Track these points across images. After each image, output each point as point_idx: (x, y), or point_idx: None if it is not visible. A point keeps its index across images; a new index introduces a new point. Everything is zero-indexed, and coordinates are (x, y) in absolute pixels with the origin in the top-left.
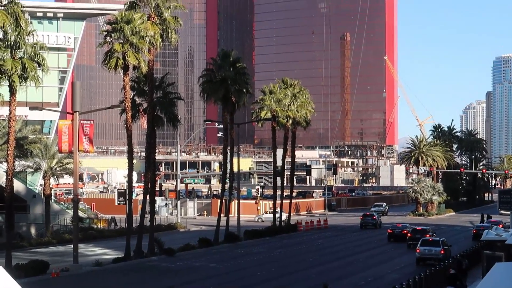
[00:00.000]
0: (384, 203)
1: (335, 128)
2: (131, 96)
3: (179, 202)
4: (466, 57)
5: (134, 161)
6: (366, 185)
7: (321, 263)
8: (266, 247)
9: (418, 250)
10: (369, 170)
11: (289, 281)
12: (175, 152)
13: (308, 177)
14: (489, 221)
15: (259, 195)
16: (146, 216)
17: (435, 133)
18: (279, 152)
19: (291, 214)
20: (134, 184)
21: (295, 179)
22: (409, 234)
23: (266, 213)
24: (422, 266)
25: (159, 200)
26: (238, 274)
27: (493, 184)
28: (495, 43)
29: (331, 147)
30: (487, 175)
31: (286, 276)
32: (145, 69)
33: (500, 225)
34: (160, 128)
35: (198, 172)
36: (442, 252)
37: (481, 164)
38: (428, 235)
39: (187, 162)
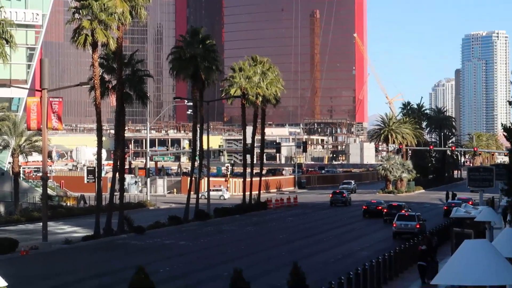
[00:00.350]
0: (353, 181)
1: (304, 105)
2: (100, 74)
3: (148, 180)
4: (435, 35)
5: (104, 138)
6: (336, 162)
7: (291, 241)
8: (236, 224)
9: (394, 225)
10: (339, 147)
11: (259, 259)
12: (144, 129)
13: (278, 154)
14: (458, 198)
15: (229, 173)
16: (115, 194)
17: (405, 111)
18: (249, 129)
19: (261, 191)
20: (103, 162)
21: (265, 157)
22: (385, 210)
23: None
24: (398, 240)
25: (128, 178)
26: (208, 252)
27: (462, 161)
28: (464, 20)
29: (301, 124)
30: (456, 152)
31: (256, 254)
32: (114, 46)
33: (470, 202)
34: (129, 105)
35: (167, 149)
36: (418, 226)
37: (450, 141)
38: (403, 211)
39: (156, 139)
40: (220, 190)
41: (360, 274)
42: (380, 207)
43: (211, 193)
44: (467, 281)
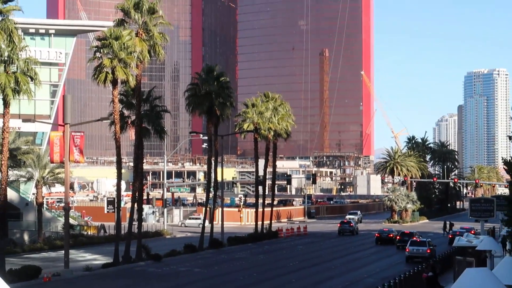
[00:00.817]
0: (359, 211)
1: (314, 139)
2: (120, 109)
3: (165, 209)
4: (439, 72)
5: (123, 170)
6: (344, 193)
7: (301, 269)
8: (248, 253)
9: (407, 250)
10: (347, 179)
11: (270, 286)
12: (162, 162)
13: (288, 186)
14: (462, 227)
15: (241, 203)
16: (134, 223)
17: (410, 145)
18: (261, 162)
19: (272, 221)
20: (123, 193)
21: (276, 188)
22: (398, 237)
23: (190, 218)
24: (411, 263)
25: (146, 208)
26: (222, 279)
27: (464, 193)
28: (467, 58)
29: (311, 157)
30: (458, 184)
31: (267, 281)
32: (133, 83)
33: (472, 232)
34: (148, 139)
35: (183, 181)
36: (428, 251)
37: (453, 174)
38: (415, 237)
39: (173, 171)
40: (199, 219)
41: None
42: (391, 235)
43: (191, 221)
44: None
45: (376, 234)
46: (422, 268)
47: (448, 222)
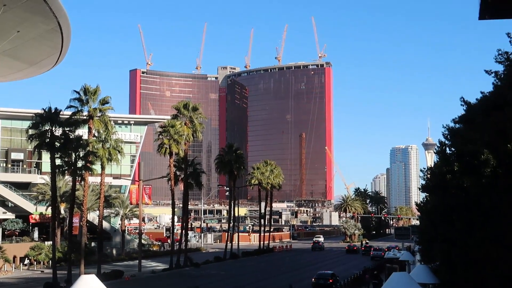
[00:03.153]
0: (322, 235)
1: (296, 189)
2: (174, 171)
3: (202, 234)
4: (374, 145)
5: (175, 209)
6: (315, 224)
7: (289, 271)
8: (255, 261)
9: (372, 253)
10: (317, 215)
11: (268, 282)
12: (200, 204)
13: (279, 219)
14: (389, 246)
15: (250, 230)
16: (182, 243)
17: (356, 193)
18: (263, 204)
19: (270, 241)
20: (175, 224)
21: (272, 220)
22: (362, 248)
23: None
24: (374, 261)
25: (190, 233)
26: (238, 278)
27: (391, 223)
28: (391, 137)
29: (294, 201)
30: (387, 218)
31: (267, 280)
32: (182, 154)
33: (397, 248)
34: (191, 189)
35: (213, 216)
36: (383, 254)
37: (383, 211)
38: (372, 248)
39: (207, 210)
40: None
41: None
42: (355, 248)
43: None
44: None
45: (346, 247)
46: (363, 271)
47: (364, 241)
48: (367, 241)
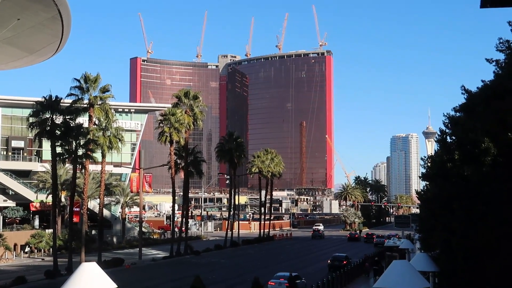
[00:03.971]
0: (321, 224)
1: (296, 178)
2: (174, 159)
3: (202, 222)
4: (375, 134)
5: (176, 197)
6: (315, 212)
7: (288, 260)
8: (255, 249)
9: (375, 240)
10: (317, 203)
11: (268, 270)
12: (200, 192)
13: (280, 207)
14: (390, 234)
15: (250, 218)
16: (182, 231)
17: (356, 181)
18: (263, 192)
19: (270, 229)
20: (176, 212)
21: (272, 209)
22: (364, 235)
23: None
24: (377, 247)
25: (190, 221)
26: (238, 266)
27: (391, 211)
28: (392, 125)
29: (294, 189)
30: (387, 206)
31: (267, 267)
32: (182, 143)
33: (397, 236)
34: (192, 178)
35: (214, 204)
36: (385, 240)
37: (383, 200)
38: (374, 236)
39: (207, 198)
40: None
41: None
42: (357, 235)
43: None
44: (395, 286)
45: (348, 235)
46: (364, 259)
47: (359, 230)
48: (368, 229)
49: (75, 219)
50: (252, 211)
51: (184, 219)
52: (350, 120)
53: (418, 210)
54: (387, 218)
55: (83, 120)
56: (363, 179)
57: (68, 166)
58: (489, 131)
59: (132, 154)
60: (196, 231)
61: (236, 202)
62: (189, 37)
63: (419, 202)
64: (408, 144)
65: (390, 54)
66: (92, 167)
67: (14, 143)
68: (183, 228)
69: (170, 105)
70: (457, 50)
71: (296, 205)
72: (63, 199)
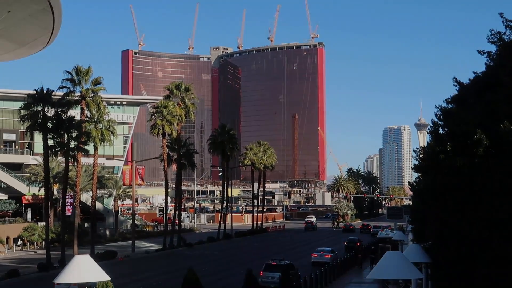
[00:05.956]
0: (314, 216)
1: (289, 170)
2: (167, 151)
3: (195, 215)
4: (368, 125)
5: (168, 190)
6: (308, 204)
7: (281, 252)
8: (248, 241)
9: (371, 230)
10: (310, 195)
11: (262, 262)
12: (193, 184)
13: (273, 199)
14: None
15: (243, 211)
16: (175, 223)
17: (349, 173)
18: (256, 184)
19: (263, 222)
20: (169, 204)
21: (265, 201)
22: (360, 226)
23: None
24: (373, 237)
25: (183, 214)
26: (231, 258)
27: (383, 203)
28: (384, 117)
29: (287, 181)
30: (380, 198)
31: (260, 259)
32: (175, 135)
33: (390, 227)
34: (184, 170)
35: (207, 196)
36: (382, 230)
37: (376, 191)
38: (370, 227)
39: (200, 190)
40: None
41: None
42: (352, 226)
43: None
44: (388, 276)
45: (343, 226)
46: (357, 250)
47: (336, 220)
48: (360, 221)
49: (68, 212)
50: (245, 203)
51: (177, 212)
52: (342, 112)
53: (410, 202)
54: (379, 210)
55: (75, 112)
56: (355, 171)
57: (60, 159)
58: (481, 122)
59: (124, 147)
60: (189, 223)
61: (229, 195)
62: (181, 29)
63: (411, 193)
64: (400, 136)
65: (382, 46)
66: (84, 160)
67: (6, 136)
68: (176, 221)
69: (162, 98)
70: (449, 41)
71: (289, 197)
72: (55, 192)
